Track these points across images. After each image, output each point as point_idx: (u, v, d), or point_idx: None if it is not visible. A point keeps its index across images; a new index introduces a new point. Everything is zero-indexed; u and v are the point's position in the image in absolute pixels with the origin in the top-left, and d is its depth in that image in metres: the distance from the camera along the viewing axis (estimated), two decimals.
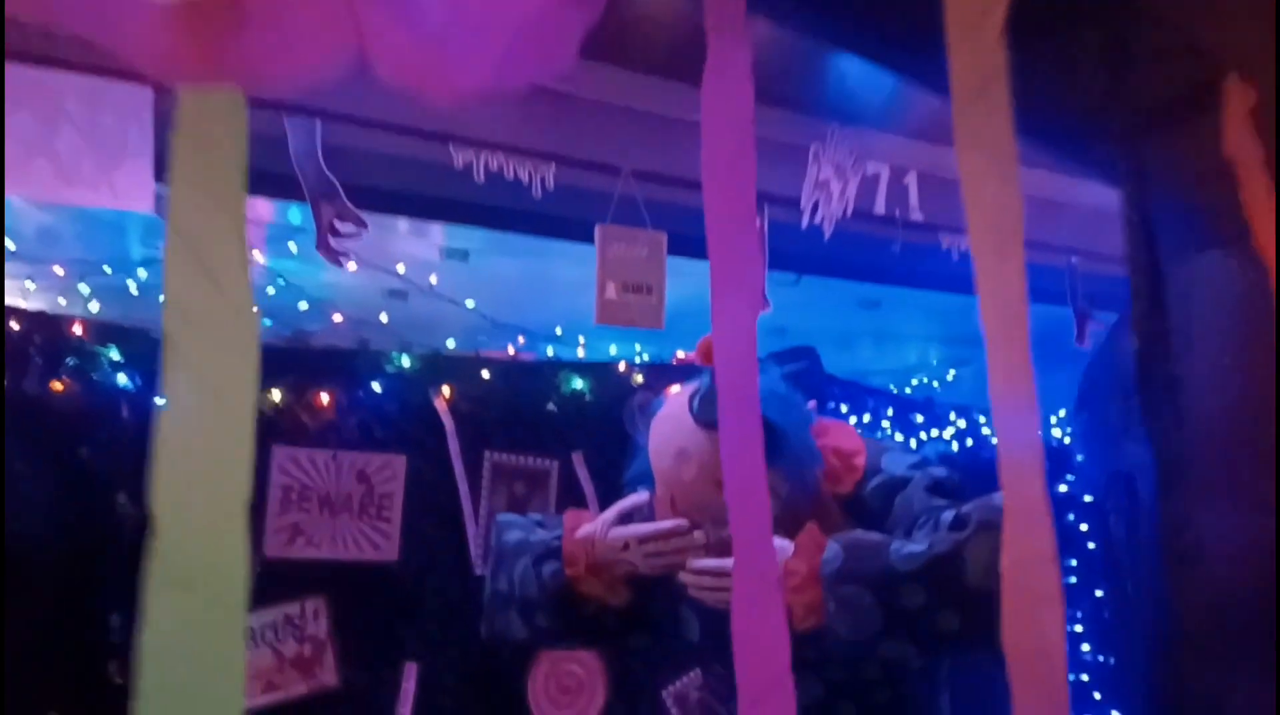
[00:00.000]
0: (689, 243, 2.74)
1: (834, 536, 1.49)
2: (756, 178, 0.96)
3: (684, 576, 1.54)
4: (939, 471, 1.64)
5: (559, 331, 3.64)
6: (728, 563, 1.52)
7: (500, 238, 3.37)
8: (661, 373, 3.49)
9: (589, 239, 2.69)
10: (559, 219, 2.77)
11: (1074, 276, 3.56)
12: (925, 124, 3.08)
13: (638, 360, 3.53)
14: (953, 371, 5.02)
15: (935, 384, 4.75)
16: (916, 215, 3.05)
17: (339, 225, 2.21)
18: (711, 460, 1.49)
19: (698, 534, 1.54)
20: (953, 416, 4.20)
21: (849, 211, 2.97)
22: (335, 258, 2.24)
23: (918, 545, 1.43)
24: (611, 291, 2.45)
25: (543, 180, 2.37)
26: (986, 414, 4.27)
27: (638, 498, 1.62)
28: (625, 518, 1.63)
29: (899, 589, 1.39)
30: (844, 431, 1.74)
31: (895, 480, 1.63)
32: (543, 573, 1.66)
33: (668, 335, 3.78)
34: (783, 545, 1.48)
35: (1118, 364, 3.63)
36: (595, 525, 1.61)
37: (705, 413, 1.52)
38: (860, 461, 1.66)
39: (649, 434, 1.67)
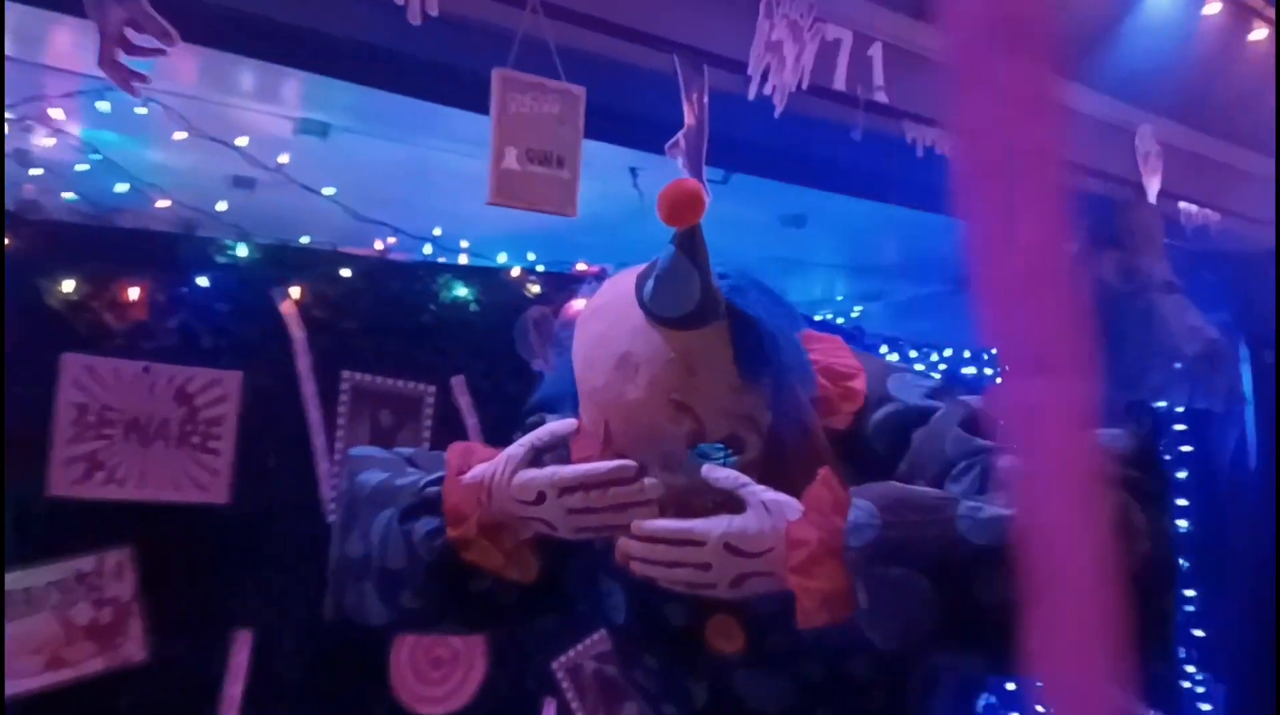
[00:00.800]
0: (608, 120, 2.15)
1: (857, 490, 0.99)
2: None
3: (626, 545, 0.98)
4: (973, 401, 1.16)
5: (437, 232, 3.01)
6: (693, 526, 0.99)
7: (370, 110, 2.70)
8: (562, 283, 2.92)
9: (483, 108, 2.07)
10: (443, 70, 2.14)
11: None
12: None
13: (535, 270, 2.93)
14: (859, 308, 4.59)
15: (840, 322, 4.30)
16: (881, 96, 2.52)
17: (134, 36, 1.53)
18: (668, 372, 1.03)
19: (648, 482, 1.02)
20: (884, 349, 3.76)
21: (804, 83, 2.42)
22: (125, 82, 1.56)
23: (993, 506, 0.90)
24: (511, 160, 1.86)
25: (424, 3, 1.73)
26: (919, 346, 3.85)
27: (560, 425, 1.14)
28: (538, 456, 1.12)
29: (973, 572, 0.88)
30: (835, 346, 1.24)
31: (910, 411, 1.15)
32: (413, 533, 1.15)
33: (568, 246, 3.27)
34: (780, 503, 0.96)
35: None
36: (494, 466, 1.12)
37: (664, 301, 1.03)
38: (859, 385, 1.18)
39: (573, 337, 1.16)
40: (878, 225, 3.89)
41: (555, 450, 1.14)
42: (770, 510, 0.98)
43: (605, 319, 1.08)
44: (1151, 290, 3.16)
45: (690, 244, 1.01)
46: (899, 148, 2.74)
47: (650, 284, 1.04)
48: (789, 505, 1.00)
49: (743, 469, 1.03)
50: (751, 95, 2.38)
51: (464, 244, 3.07)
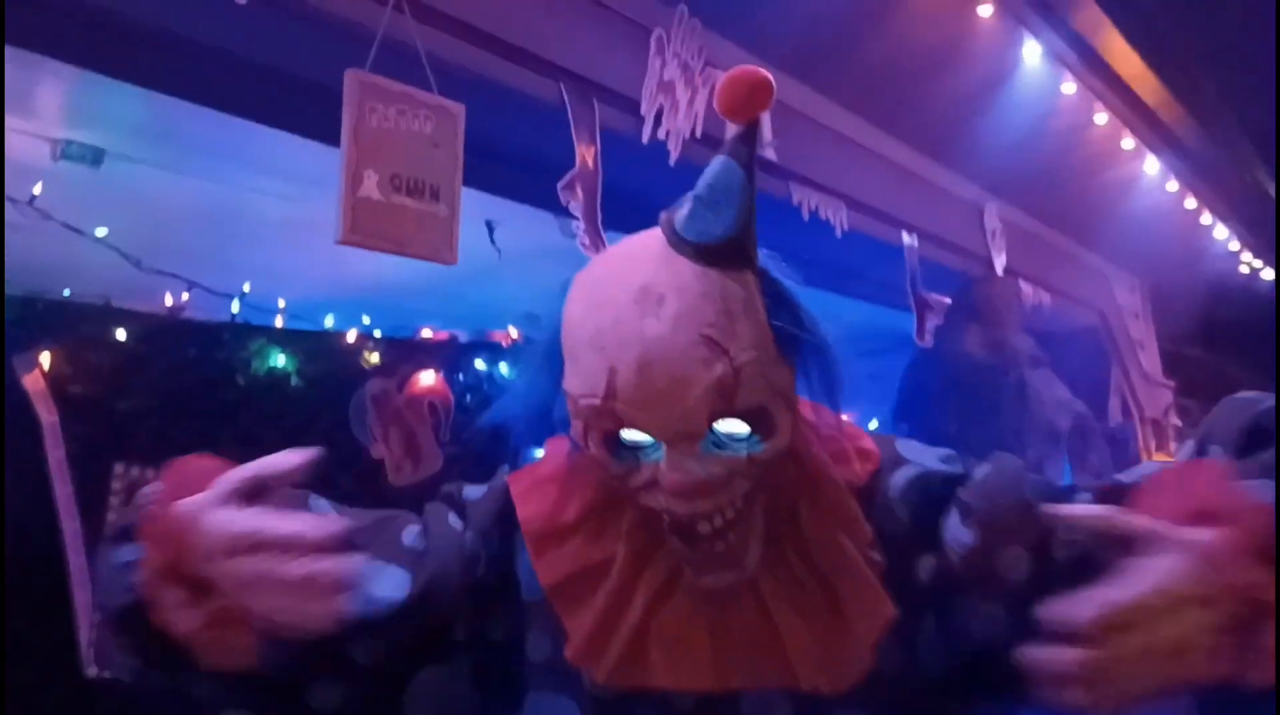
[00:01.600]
0: (466, 155, 1.74)
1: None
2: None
3: (1095, 660, 0.69)
4: (1008, 460, 0.98)
5: (247, 288, 2.46)
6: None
7: (158, 131, 2.14)
8: (407, 352, 2.45)
9: (324, 135, 1.61)
10: (270, 77, 1.66)
11: (913, 259, 2.97)
12: (791, 50, 2.33)
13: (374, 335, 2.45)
14: None
15: None
16: (770, 153, 2.26)
17: None
18: (702, 304, 0.83)
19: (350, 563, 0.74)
20: None
21: (698, 130, 2.12)
22: None
23: None
24: (371, 186, 1.40)
25: None
26: None
27: (290, 457, 0.79)
28: (255, 493, 0.77)
29: None
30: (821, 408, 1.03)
31: (934, 476, 0.97)
32: (111, 564, 0.83)
33: (407, 310, 2.79)
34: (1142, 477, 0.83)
35: (943, 365, 3.11)
36: (208, 494, 0.77)
37: (704, 220, 0.84)
38: (871, 444, 1.01)
39: (560, 319, 0.91)
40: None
41: (290, 479, 0.79)
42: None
43: (617, 257, 0.89)
44: (1021, 364, 3.08)
45: (745, 151, 0.84)
46: (782, 206, 2.52)
47: (688, 204, 0.85)
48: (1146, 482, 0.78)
49: (765, 463, 0.86)
50: (645, 138, 2.04)
51: (281, 303, 2.53)
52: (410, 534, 0.94)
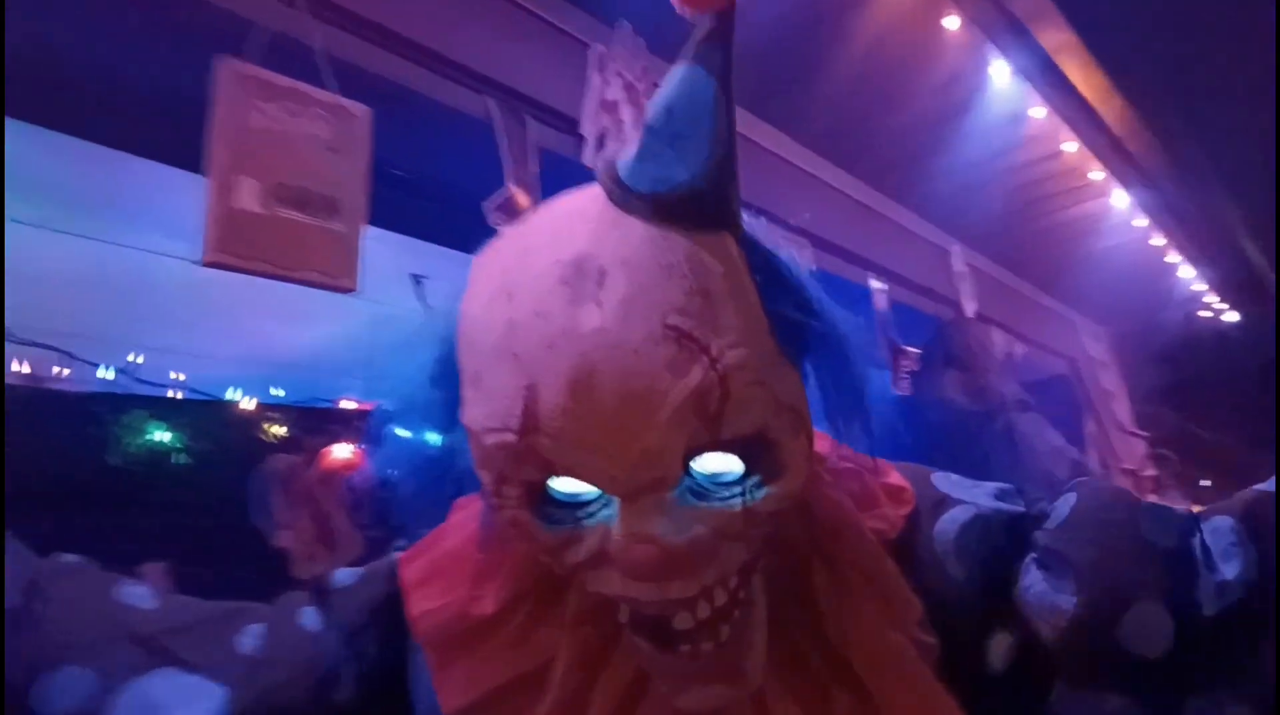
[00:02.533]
0: (381, 187, 1.46)
1: None
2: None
3: None
4: (1098, 485, 0.77)
5: (134, 359, 2.15)
6: None
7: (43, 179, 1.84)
8: (318, 423, 2.13)
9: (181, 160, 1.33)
10: (146, 92, 1.37)
11: (883, 303, 2.74)
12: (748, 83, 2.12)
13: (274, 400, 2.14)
14: None
15: None
16: None
17: None
18: (663, 282, 0.58)
19: None
20: None
21: None
22: None
23: None
24: (248, 196, 1.11)
25: None
26: None
27: None
28: None
29: None
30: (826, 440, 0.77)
31: (994, 519, 0.72)
32: None
33: (331, 386, 2.54)
34: None
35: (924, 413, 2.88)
36: None
37: (663, 155, 0.59)
38: (900, 480, 0.75)
39: (464, 298, 0.65)
40: None
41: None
42: None
43: (535, 224, 0.65)
44: (1007, 409, 2.86)
45: (718, 56, 0.60)
46: None
47: (638, 140, 0.61)
48: None
49: (769, 518, 0.61)
50: (587, 160, 1.80)
51: (176, 376, 2.20)
52: (252, 635, 0.72)
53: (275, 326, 2.48)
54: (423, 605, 0.70)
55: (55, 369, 1.95)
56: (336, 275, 1.22)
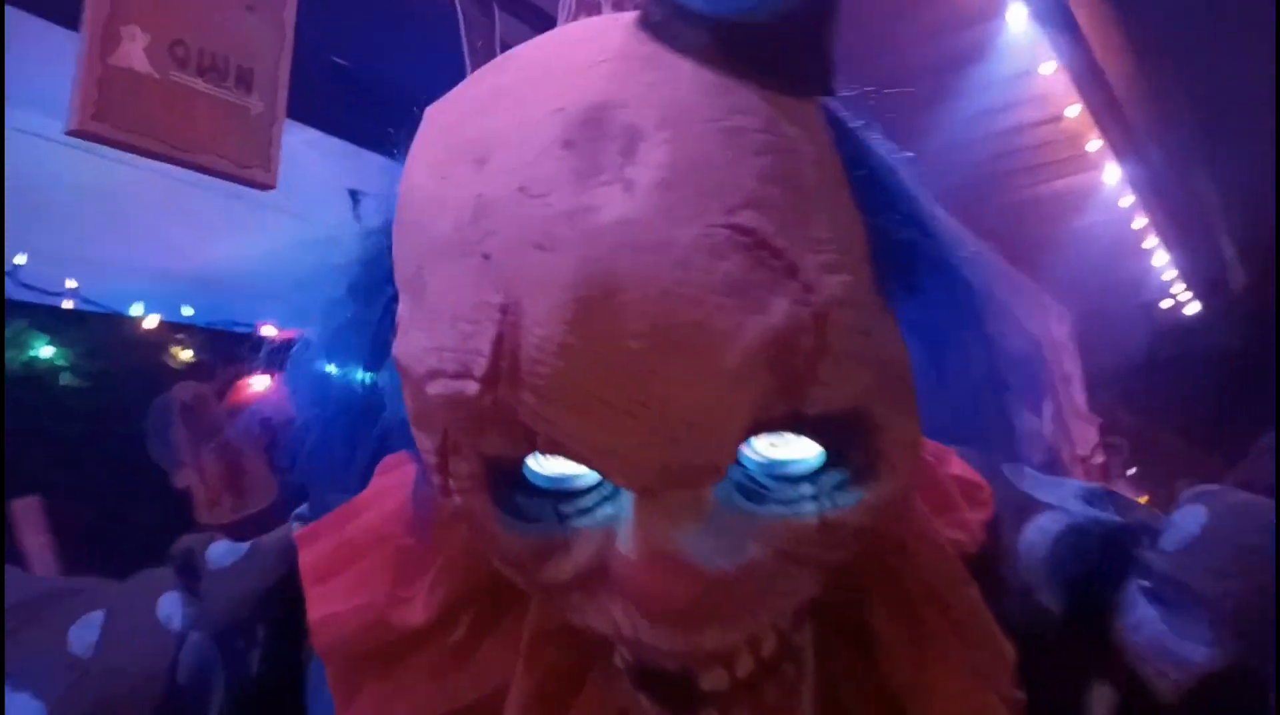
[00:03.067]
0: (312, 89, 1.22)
1: None
2: None
3: None
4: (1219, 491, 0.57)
5: (21, 261, 1.89)
6: None
7: None
8: (233, 348, 1.90)
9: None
10: None
11: None
12: None
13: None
14: None
15: None
16: None
17: None
18: (719, 159, 0.36)
19: None
20: None
21: None
22: None
23: None
24: (134, 52, 0.85)
25: None
26: None
27: None
28: None
29: None
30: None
31: (1091, 533, 0.52)
32: None
33: (238, 300, 2.30)
34: None
35: None
36: None
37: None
38: (974, 475, 0.54)
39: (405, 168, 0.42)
40: None
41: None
42: None
43: (540, 54, 0.43)
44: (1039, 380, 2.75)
45: None
46: None
47: None
48: None
49: (861, 536, 0.43)
50: None
51: (70, 284, 1.93)
52: (90, 627, 0.55)
53: (189, 236, 2.28)
54: (326, 607, 0.51)
55: None
56: (247, 164, 0.97)
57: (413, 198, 0.42)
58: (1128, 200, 3.39)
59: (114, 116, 0.88)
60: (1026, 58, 2.37)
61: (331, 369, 0.57)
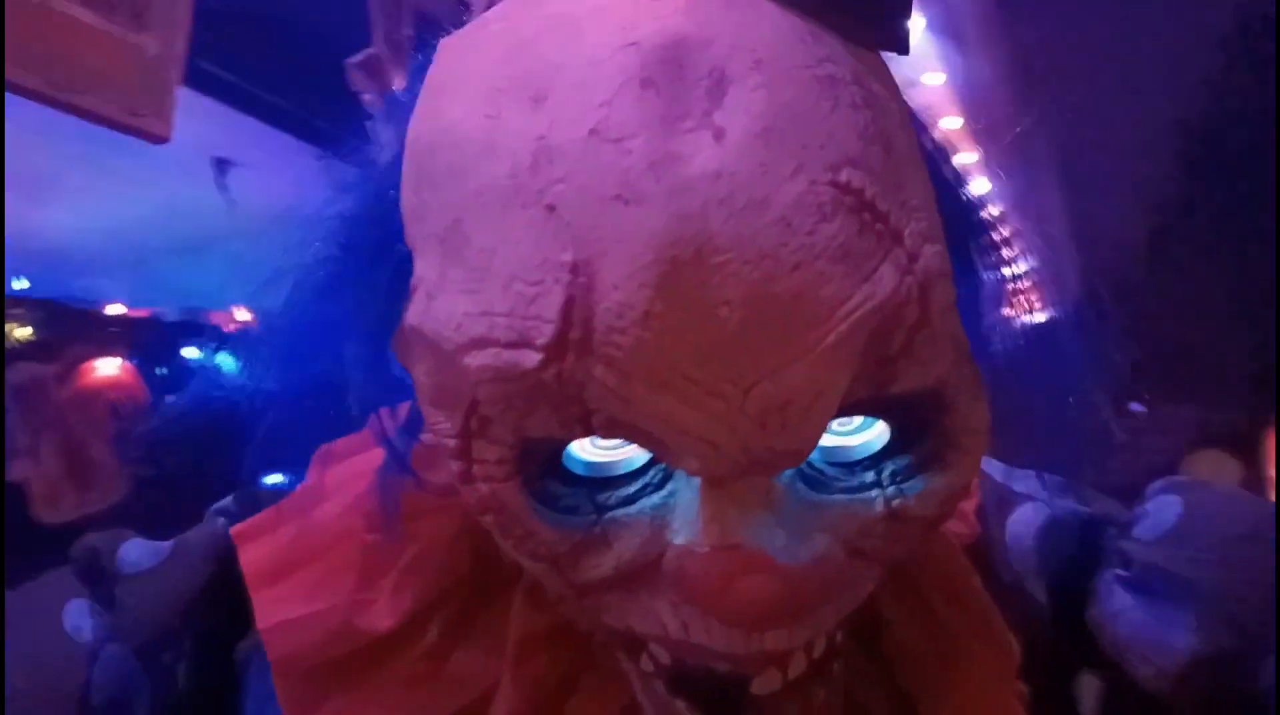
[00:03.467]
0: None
1: None
2: None
3: None
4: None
5: None
6: None
7: None
8: (78, 327, 1.74)
9: None
10: None
11: None
12: None
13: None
14: None
15: None
16: None
17: None
18: (822, 112, 0.34)
19: None
20: None
21: None
22: None
23: None
24: None
25: None
26: None
27: None
28: None
29: None
30: None
31: (1067, 527, 0.56)
32: None
33: (80, 277, 2.12)
34: None
35: None
36: None
37: None
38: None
39: (420, 99, 0.39)
40: None
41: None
42: None
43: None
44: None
45: None
46: None
47: None
48: None
49: (929, 525, 0.41)
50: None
51: None
52: None
53: (22, 201, 2.11)
54: (280, 613, 0.48)
55: None
56: (139, 110, 0.84)
57: (446, 139, 0.37)
58: (995, 210, 3.60)
59: (25, 61, 0.73)
60: (918, 67, 2.44)
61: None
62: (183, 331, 2.00)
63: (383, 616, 0.49)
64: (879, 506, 0.39)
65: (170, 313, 2.13)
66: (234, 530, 0.52)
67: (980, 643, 0.50)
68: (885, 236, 0.35)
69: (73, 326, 1.68)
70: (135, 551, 0.54)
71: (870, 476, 0.40)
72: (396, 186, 0.41)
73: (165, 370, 1.90)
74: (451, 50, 0.40)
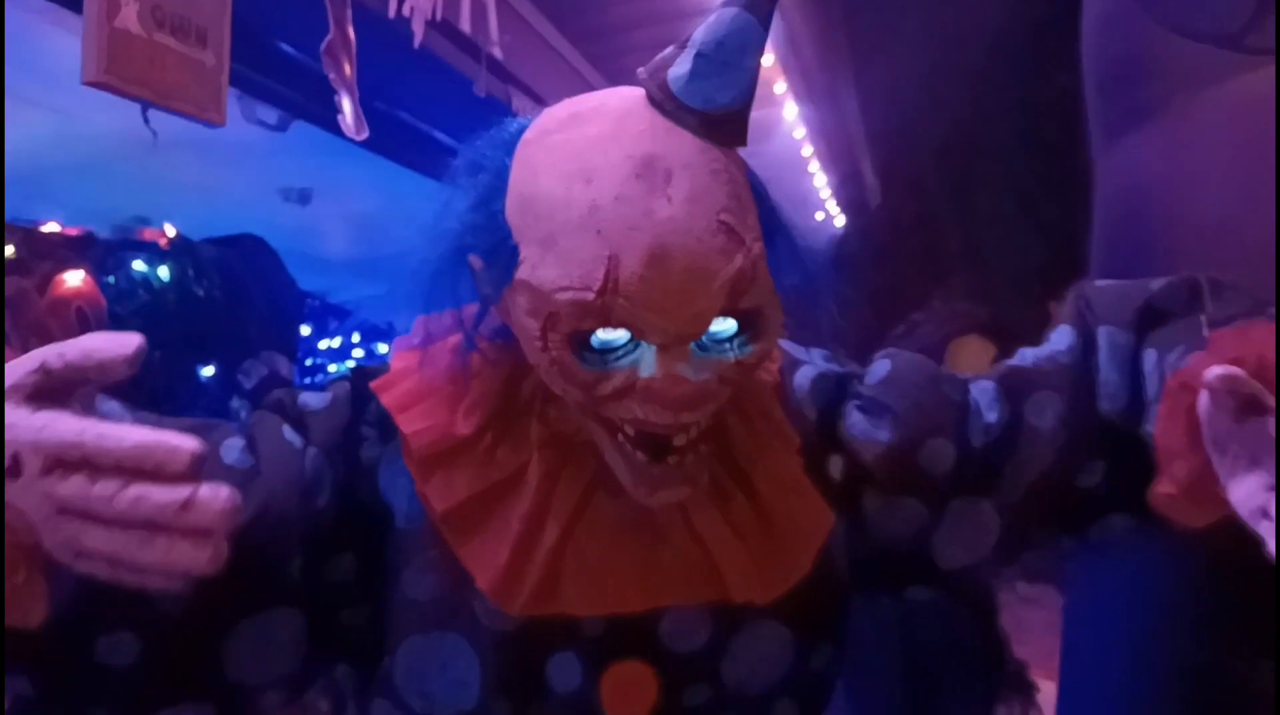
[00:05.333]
0: None
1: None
2: None
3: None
4: (901, 356, 1.01)
5: None
6: None
7: None
8: (45, 247, 2.00)
9: None
10: None
11: None
12: None
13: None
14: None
15: None
16: (496, 50, 2.15)
17: None
18: (715, 184, 0.74)
19: (212, 494, 0.55)
20: None
21: (438, 13, 1.93)
22: None
23: None
24: (130, 17, 1.06)
25: None
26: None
27: (107, 342, 0.55)
28: (57, 391, 0.56)
29: None
30: None
31: (829, 376, 0.94)
32: None
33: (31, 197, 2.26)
34: None
35: None
36: None
37: (713, 82, 0.74)
38: (778, 356, 0.95)
39: (515, 163, 0.77)
40: (384, 213, 3.43)
41: (114, 370, 0.57)
42: None
43: (600, 120, 0.75)
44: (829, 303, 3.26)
45: (764, 6, 0.73)
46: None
47: (689, 62, 0.73)
48: None
49: (749, 368, 0.77)
50: (392, 14, 1.82)
51: None
52: (231, 450, 0.77)
53: None
54: (414, 424, 0.78)
55: None
56: (205, 107, 1.22)
57: (541, 195, 0.70)
58: (800, 133, 4.11)
59: (118, 70, 1.09)
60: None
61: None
62: (121, 247, 2.25)
63: (461, 427, 0.78)
64: (731, 357, 0.71)
65: (102, 230, 2.34)
66: (374, 383, 0.81)
67: (776, 434, 0.83)
68: (738, 241, 0.67)
69: (41, 246, 1.93)
70: (311, 399, 0.83)
71: (727, 345, 0.71)
72: (496, 208, 0.73)
73: (113, 279, 2.16)
74: (532, 146, 0.72)
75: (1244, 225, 1.11)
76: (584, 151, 0.71)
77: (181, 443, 0.53)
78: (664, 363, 0.71)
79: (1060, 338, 0.91)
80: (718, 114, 0.71)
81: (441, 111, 2.21)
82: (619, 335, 0.72)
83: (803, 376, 0.91)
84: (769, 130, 4.06)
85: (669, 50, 0.72)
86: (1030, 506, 0.88)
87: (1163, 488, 0.74)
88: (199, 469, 0.54)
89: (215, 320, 1.97)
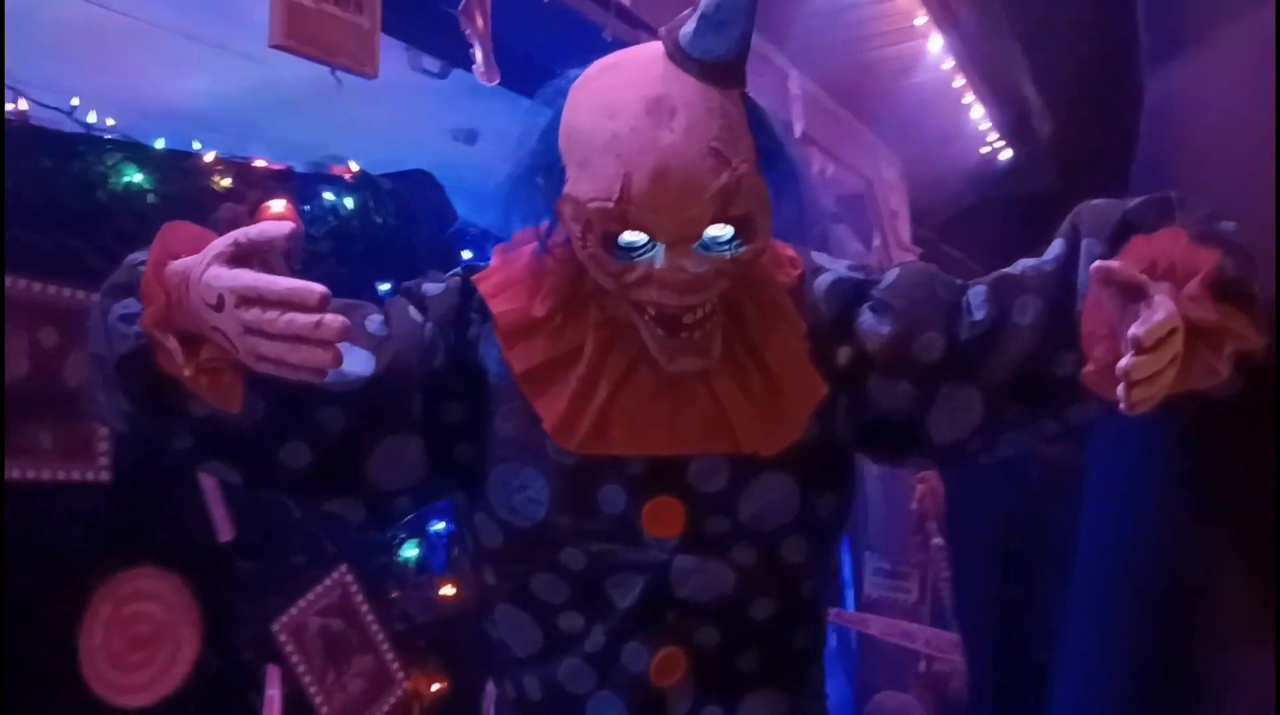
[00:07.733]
0: None
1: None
2: None
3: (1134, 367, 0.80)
4: (915, 265, 1.17)
5: (77, 102, 2.29)
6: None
7: None
8: (254, 179, 2.39)
9: None
10: None
11: None
12: None
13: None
14: None
15: None
16: None
17: None
18: (709, 119, 0.90)
19: (331, 318, 0.78)
20: None
21: None
22: None
23: None
24: None
25: None
26: None
27: (272, 227, 0.85)
28: (244, 257, 0.83)
29: None
30: None
31: (846, 281, 1.08)
32: (110, 312, 0.91)
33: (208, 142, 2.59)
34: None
35: None
36: (199, 257, 0.83)
37: (710, 37, 0.88)
38: (792, 253, 1.10)
39: (566, 104, 0.96)
40: None
41: (286, 249, 0.84)
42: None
43: (627, 69, 0.93)
44: (823, 220, 3.40)
45: None
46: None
47: (694, 21, 0.88)
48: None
49: (744, 265, 0.94)
50: None
51: (110, 122, 2.37)
52: (373, 322, 1.00)
53: (164, 85, 2.57)
54: (500, 307, 1.00)
55: (21, 104, 2.10)
56: (364, 63, 1.54)
57: (579, 125, 0.90)
58: (948, 64, 4.10)
59: (294, 34, 1.43)
60: None
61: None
62: (315, 180, 2.64)
63: (537, 310, 0.97)
64: (728, 255, 0.89)
65: (299, 165, 2.75)
66: (475, 277, 1.02)
67: (784, 321, 1.00)
68: (725, 163, 0.86)
69: (250, 178, 2.34)
70: (430, 287, 1.04)
71: (725, 246, 0.89)
72: (552, 139, 0.93)
73: (308, 208, 2.55)
74: (578, 89, 0.92)
75: (1259, 151, 1.16)
76: (611, 93, 0.90)
77: (314, 288, 0.77)
78: (671, 257, 0.89)
79: (1053, 248, 1.03)
80: (714, 63, 0.88)
81: (575, 57, 2.46)
82: (638, 237, 0.90)
83: (823, 280, 1.06)
84: (912, 63, 4.08)
85: (686, 12, 0.89)
86: (1010, 391, 1.00)
87: (1088, 368, 0.87)
88: (325, 304, 0.77)
89: (390, 244, 2.33)
